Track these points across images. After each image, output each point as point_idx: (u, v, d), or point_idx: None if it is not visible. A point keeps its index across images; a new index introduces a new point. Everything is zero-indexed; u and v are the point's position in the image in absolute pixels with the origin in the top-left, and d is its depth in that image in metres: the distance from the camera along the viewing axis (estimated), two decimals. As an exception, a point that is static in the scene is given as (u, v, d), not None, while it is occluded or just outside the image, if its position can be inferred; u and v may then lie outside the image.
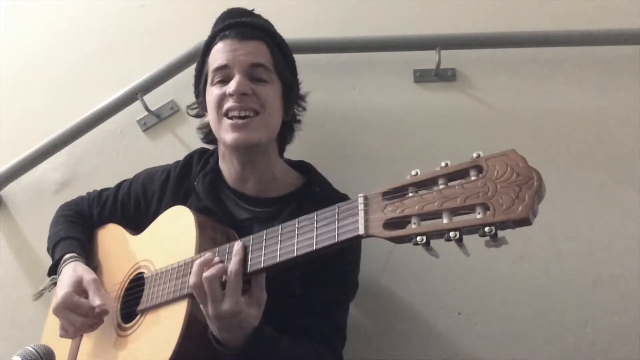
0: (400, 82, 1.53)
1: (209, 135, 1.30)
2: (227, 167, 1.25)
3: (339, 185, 1.29)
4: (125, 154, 1.61)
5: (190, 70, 1.40)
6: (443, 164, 0.73)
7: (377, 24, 1.55)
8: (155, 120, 1.60)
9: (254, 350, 0.95)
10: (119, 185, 1.38)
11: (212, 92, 1.18)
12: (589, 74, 1.51)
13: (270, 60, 1.20)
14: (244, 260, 0.94)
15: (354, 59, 1.55)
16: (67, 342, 1.23)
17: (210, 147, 1.34)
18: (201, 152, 1.34)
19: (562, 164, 1.48)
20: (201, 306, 0.95)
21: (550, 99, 1.50)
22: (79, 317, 1.11)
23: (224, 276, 0.94)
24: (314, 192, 1.22)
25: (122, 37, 1.66)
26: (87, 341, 1.21)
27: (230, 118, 1.15)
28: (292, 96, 1.27)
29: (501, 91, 1.51)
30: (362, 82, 1.55)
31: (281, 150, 1.32)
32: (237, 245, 0.95)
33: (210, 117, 1.20)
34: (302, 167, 1.31)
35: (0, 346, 1.56)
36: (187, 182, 1.28)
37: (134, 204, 1.33)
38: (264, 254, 0.92)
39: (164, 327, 1.04)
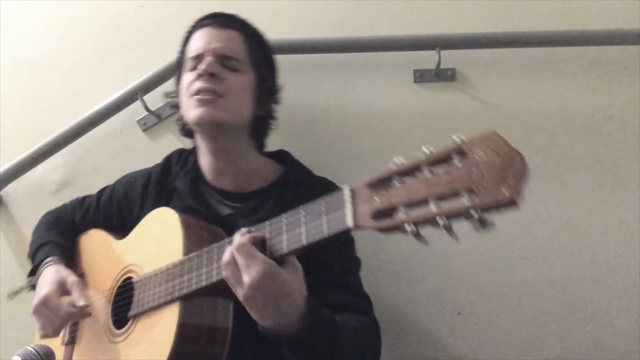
0: (400, 82, 1.53)
1: (185, 127, 1.30)
2: (204, 162, 1.25)
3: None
4: (125, 154, 1.61)
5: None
6: (427, 151, 0.73)
7: (377, 24, 1.55)
8: (155, 120, 1.59)
9: (314, 329, 0.89)
10: (101, 191, 1.39)
11: (184, 78, 1.22)
12: (589, 74, 1.51)
13: (244, 50, 1.22)
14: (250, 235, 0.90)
15: (354, 59, 1.55)
16: (60, 350, 1.22)
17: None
18: (180, 152, 1.35)
19: (562, 164, 1.48)
20: (237, 289, 0.88)
21: (549, 99, 1.50)
22: (58, 318, 1.12)
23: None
24: (293, 179, 1.22)
25: (122, 37, 1.66)
26: (80, 348, 1.21)
27: (196, 96, 1.16)
28: (266, 89, 1.27)
29: (501, 91, 1.51)
30: (362, 82, 1.55)
31: (261, 146, 1.32)
32: (238, 232, 0.92)
33: (182, 101, 1.23)
34: (280, 157, 1.31)
35: (0, 346, 1.56)
36: (168, 183, 1.28)
37: (117, 209, 1.33)
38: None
39: (157, 331, 1.03)
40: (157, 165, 1.34)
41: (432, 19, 1.55)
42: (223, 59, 1.19)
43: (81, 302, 1.11)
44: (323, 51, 1.54)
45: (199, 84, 1.16)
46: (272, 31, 1.51)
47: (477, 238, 1.46)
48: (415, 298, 1.47)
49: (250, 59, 1.22)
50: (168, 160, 1.34)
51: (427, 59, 1.50)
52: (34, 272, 1.26)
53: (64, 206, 1.43)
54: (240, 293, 0.88)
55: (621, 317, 1.43)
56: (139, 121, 1.60)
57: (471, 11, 1.54)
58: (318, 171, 1.31)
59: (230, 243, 0.92)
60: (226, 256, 0.89)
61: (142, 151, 1.59)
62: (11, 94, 1.70)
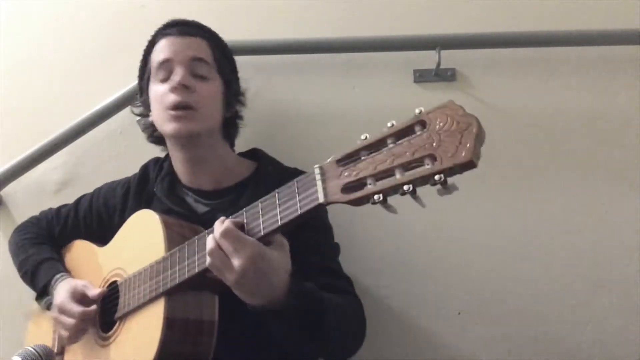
0: (400, 82, 1.53)
1: (154, 134, 1.32)
2: (179, 167, 1.28)
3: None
4: (126, 154, 1.60)
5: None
6: (389, 124, 0.77)
7: (377, 24, 1.55)
8: (155, 120, 1.59)
9: (299, 299, 0.92)
10: (78, 201, 1.40)
11: (156, 89, 1.22)
12: (589, 74, 1.51)
13: (210, 55, 1.24)
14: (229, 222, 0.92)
15: (353, 59, 1.55)
16: None
17: (158, 147, 1.37)
18: (155, 160, 1.38)
19: (562, 164, 1.48)
20: (226, 274, 0.90)
21: (550, 99, 1.50)
22: (71, 320, 1.14)
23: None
24: (267, 171, 1.25)
25: (122, 37, 1.65)
26: (70, 356, 1.22)
27: (172, 110, 1.18)
28: (232, 93, 1.30)
29: (501, 91, 1.51)
30: (362, 82, 1.55)
31: (231, 145, 1.35)
32: (217, 221, 0.94)
33: (155, 113, 1.23)
34: (253, 154, 1.34)
35: (0, 346, 1.56)
36: (147, 190, 1.30)
37: (97, 219, 1.34)
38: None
39: (144, 328, 1.04)
40: (135, 174, 1.37)
41: (432, 19, 1.54)
42: (193, 69, 1.21)
43: (94, 292, 1.15)
44: (323, 51, 1.54)
45: (173, 97, 1.18)
46: (272, 31, 1.52)
47: (477, 238, 1.47)
48: (415, 298, 1.47)
49: (216, 65, 1.25)
50: (145, 168, 1.37)
51: (427, 59, 1.50)
52: (45, 290, 1.27)
53: (37, 219, 1.43)
54: (231, 278, 0.89)
55: (621, 317, 1.43)
56: (139, 121, 1.60)
57: (471, 11, 1.54)
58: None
59: (210, 233, 0.94)
60: (210, 244, 0.91)
61: (142, 151, 1.59)
62: (11, 94, 1.69)
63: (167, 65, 1.21)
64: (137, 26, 1.66)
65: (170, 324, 0.99)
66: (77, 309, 1.14)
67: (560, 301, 1.44)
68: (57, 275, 1.26)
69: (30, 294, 1.34)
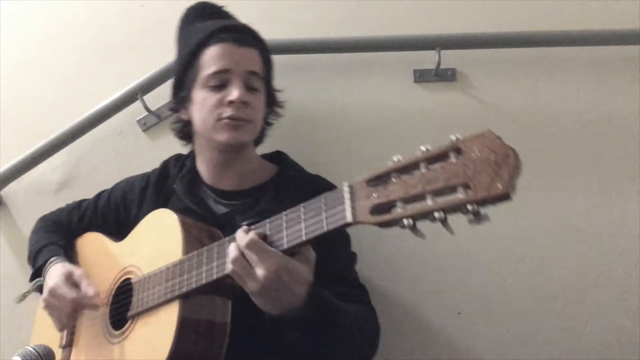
0: (400, 82, 1.53)
1: (184, 129, 1.32)
2: (205, 166, 1.28)
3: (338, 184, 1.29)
4: (125, 154, 1.61)
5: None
6: (423, 149, 0.75)
7: (377, 24, 1.55)
8: (155, 120, 1.59)
9: (316, 309, 0.92)
10: (99, 195, 1.40)
11: (207, 97, 1.20)
12: (589, 74, 1.51)
13: (261, 68, 1.25)
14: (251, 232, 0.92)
15: (353, 59, 1.55)
16: (58, 353, 1.21)
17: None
18: (177, 157, 1.37)
19: (562, 164, 1.48)
20: (248, 283, 0.90)
21: (549, 99, 1.50)
22: (66, 306, 1.14)
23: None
24: (288, 176, 1.25)
25: (122, 37, 1.66)
26: (77, 351, 1.21)
27: (227, 120, 1.18)
28: (272, 102, 1.32)
29: (501, 91, 1.51)
30: (362, 82, 1.55)
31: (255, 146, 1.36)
32: (240, 229, 0.94)
33: (201, 118, 1.22)
34: (276, 157, 1.34)
35: (0, 346, 1.56)
36: (166, 186, 1.30)
37: (114, 213, 1.34)
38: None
39: (157, 330, 1.04)
40: (155, 170, 1.36)
41: (432, 19, 1.54)
42: (247, 81, 1.20)
43: (90, 291, 1.13)
44: (323, 51, 1.54)
45: (230, 112, 1.18)
46: (273, 31, 1.51)
47: (477, 238, 1.47)
48: (415, 298, 1.47)
49: (264, 77, 1.25)
50: (166, 164, 1.36)
51: (427, 59, 1.50)
52: (38, 274, 1.26)
53: (60, 210, 1.43)
54: (253, 287, 0.89)
55: (621, 317, 1.43)
56: (139, 121, 1.60)
57: (471, 11, 1.54)
58: (318, 171, 1.31)
59: (231, 241, 0.93)
60: (234, 252, 0.91)
61: (142, 151, 1.59)
62: (11, 94, 1.69)
63: (223, 75, 1.19)
64: (137, 26, 1.66)
65: (183, 326, 0.99)
66: (70, 293, 1.13)
67: (560, 301, 1.44)
68: (52, 259, 1.25)
69: (32, 294, 1.33)
